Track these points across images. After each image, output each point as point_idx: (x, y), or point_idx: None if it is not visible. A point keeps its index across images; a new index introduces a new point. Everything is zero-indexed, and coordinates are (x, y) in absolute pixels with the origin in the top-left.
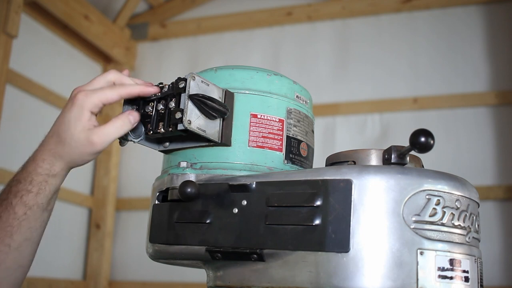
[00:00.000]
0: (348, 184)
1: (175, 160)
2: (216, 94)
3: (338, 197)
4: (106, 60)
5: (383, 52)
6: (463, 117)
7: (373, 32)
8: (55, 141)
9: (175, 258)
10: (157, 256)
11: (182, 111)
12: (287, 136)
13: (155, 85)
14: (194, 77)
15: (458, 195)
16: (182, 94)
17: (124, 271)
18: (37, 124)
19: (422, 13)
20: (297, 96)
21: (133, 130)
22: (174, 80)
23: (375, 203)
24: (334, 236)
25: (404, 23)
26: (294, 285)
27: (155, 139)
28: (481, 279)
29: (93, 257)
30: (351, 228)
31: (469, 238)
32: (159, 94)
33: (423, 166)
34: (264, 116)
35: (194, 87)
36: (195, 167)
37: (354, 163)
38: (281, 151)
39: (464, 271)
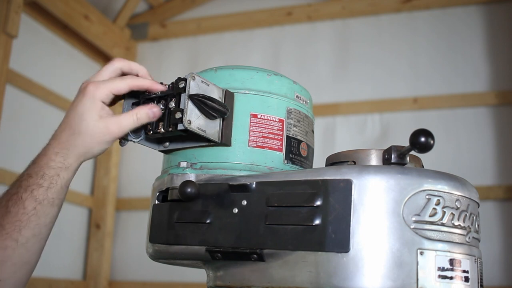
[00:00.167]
0: (348, 184)
1: (175, 160)
2: (216, 94)
3: (338, 197)
4: (106, 60)
5: (383, 52)
6: (463, 117)
7: (373, 32)
8: (68, 134)
9: (175, 258)
10: (157, 256)
11: (182, 111)
12: (287, 136)
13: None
14: (194, 77)
15: (458, 195)
16: (182, 94)
17: (124, 271)
18: (37, 124)
19: (422, 13)
20: (297, 96)
21: (133, 130)
22: (174, 80)
23: (375, 203)
24: (334, 236)
25: (404, 23)
26: (294, 285)
27: (155, 139)
28: (481, 279)
29: (93, 257)
30: (351, 228)
31: (469, 238)
32: (159, 93)
33: (423, 166)
34: (264, 116)
35: (194, 87)
36: (195, 167)
37: (354, 163)
38: (281, 151)
39: (464, 271)
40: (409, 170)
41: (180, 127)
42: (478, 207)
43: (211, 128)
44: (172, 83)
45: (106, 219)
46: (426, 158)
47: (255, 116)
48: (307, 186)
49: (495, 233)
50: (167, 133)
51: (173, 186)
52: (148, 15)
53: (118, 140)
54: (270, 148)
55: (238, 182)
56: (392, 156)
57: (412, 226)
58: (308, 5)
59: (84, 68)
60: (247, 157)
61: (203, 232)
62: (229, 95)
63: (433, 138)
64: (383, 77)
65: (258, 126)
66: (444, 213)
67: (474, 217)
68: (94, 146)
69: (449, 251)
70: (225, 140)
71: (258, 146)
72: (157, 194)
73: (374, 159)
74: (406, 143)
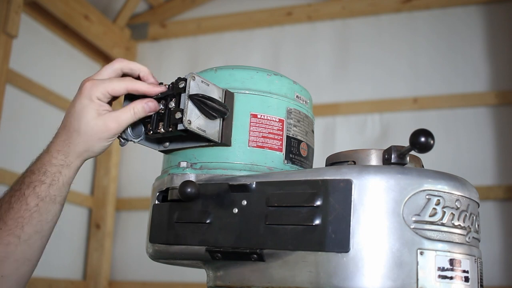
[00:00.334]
0: (348, 184)
1: (175, 160)
2: (216, 94)
3: (338, 197)
4: (106, 60)
5: (383, 52)
6: (463, 117)
7: (373, 32)
8: (68, 132)
9: (175, 258)
10: (157, 256)
11: (182, 111)
12: (287, 136)
13: (160, 84)
14: (194, 77)
15: (458, 195)
16: (182, 94)
17: (124, 271)
18: (37, 124)
19: (422, 13)
20: (297, 96)
21: (133, 130)
22: (174, 80)
23: (375, 203)
24: (334, 236)
25: (404, 23)
26: (294, 285)
27: (155, 139)
28: (481, 279)
29: (93, 257)
30: (351, 228)
31: (469, 238)
32: (160, 94)
33: (423, 166)
34: (264, 116)
35: (194, 87)
36: (195, 167)
37: (354, 163)
38: (281, 151)
39: (464, 271)
40: (409, 170)
41: (180, 127)
42: (478, 207)
43: (211, 128)
44: (172, 83)
45: (106, 219)
46: (426, 158)
47: (255, 116)
48: (307, 186)
49: (495, 233)
50: (167, 133)
51: (173, 186)
52: (148, 15)
53: (118, 140)
54: (270, 148)
55: (238, 182)
56: (392, 156)
57: (412, 226)
58: (308, 5)
59: (84, 68)
60: (247, 157)
61: (203, 232)
62: (229, 95)
63: (433, 138)
64: (383, 77)
65: (258, 126)
66: (444, 213)
67: (474, 217)
68: (94, 144)
69: (449, 251)
70: (225, 140)
71: (258, 146)
72: (157, 194)
73: (374, 159)
74: (406, 143)
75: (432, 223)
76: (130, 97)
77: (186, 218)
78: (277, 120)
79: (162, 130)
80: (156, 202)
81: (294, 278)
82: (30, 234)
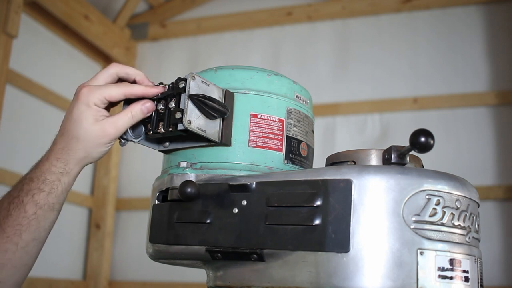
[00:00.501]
0: (348, 184)
1: (175, 160)
2: (216, 94)
3: (338, 197)
4: (106, 60)
5: (383, 52)
6: (463, 117)
7: (373, 32)
8: (67, 139)
9: (175, 258)
10: (157, 256)
11: (182, 111)
12: (287, 136)
13: (158, 85)
14: (194, 77)
15: (458, 195)
16: (182, 94)
17: (124, 271)
18: (37, 124)
19: (422, 13)
20: (297, 96)
21: (133, 130)
22: (174, 80)
23: (375, 203)
24: (334, 236)
25: (404, 23)
26: (294, 285)
27: (155, 139)
28: (481, 279)
29: (93, 257)
30: (351, 228)
31: (469, 238)
32: (160, 94)
33: (423, 166)
34: (264, 116)
35: (194, 87)
36: (195, 167)
37: (354, 163)
38: (281, 151)
39: (464, 271)
40: (409, 170)
41: (180, 127)
42: (478, 207)
43: (211, 128)
44: (172, 83)
45: (106, 219)
46: (426, 158)
47: (255, 116)
48: (307, 186)
49: (495, 233)
50: (167, 133)
51: (173, 186)
52: (148, 15)
53: (118, 140)
54: (270, 148)
55: (238, 182)
56: (392, 156)
57: (412, 226)
58: (308, 5)
59: (84, 68)
60: (247, 157)
61: (203, 232)
62: (229, 95)
63: (433, 138)
64: (383, 77)
65: (258, 126)
66: (444, 213)
67: (474, 217)
68: (93, 150)
69: (449, 251)
70: (225, 140)
71: (258, 146)
72: (157, 194)
73: (374, 159)
74: (406, 143)
75: (432, 223)
76: (128, 101)
77: (186, 218)
78: (277, 120)
79: (162, 130)
80: (156, 202)
81: (294, 278)
82: (28, 241)
